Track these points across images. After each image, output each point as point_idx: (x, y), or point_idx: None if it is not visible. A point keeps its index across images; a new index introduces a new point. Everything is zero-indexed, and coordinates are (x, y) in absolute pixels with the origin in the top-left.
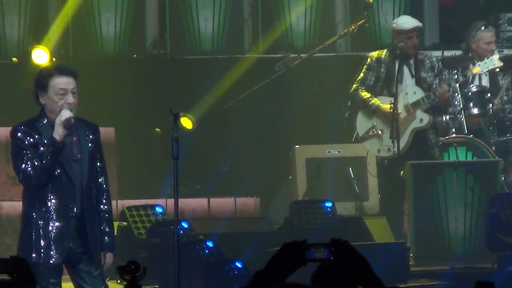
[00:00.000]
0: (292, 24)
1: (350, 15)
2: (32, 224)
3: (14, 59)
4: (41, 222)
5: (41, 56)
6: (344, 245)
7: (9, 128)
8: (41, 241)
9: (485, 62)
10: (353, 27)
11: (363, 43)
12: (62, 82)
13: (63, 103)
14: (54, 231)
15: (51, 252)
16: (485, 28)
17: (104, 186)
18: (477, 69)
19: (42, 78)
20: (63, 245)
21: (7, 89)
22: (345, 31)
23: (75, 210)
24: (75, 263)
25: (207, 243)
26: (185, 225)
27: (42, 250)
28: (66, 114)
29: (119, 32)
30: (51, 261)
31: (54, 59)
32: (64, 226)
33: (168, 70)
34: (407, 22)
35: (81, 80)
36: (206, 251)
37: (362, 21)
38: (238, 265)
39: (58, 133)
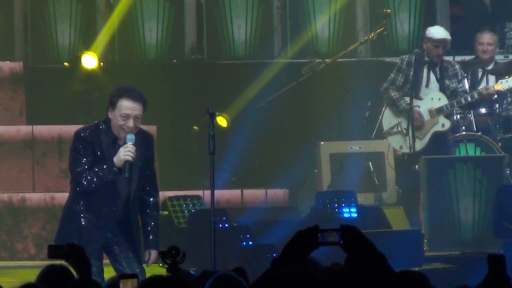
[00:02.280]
0: (317, 31)
1: (370, 23)
2: (72, 216)
3: (66, 63)
4: (81, 216)
5: (90, 61)
6: (352, 230)
7: (62, 127)
8: (78, 230)
9: (507, 80)
10: (372, 35)
11: (381, 49)
12: (127, 106)
13: (123, 124)
14: (92, 225)
15: (87, 241)
16: (484, 31)
17: (152, 192)
18: (499, 86)
19: (113, 96)
20: (98, 236)
21: (59, 91)
22: (365, 38)
23: (117, 212)
24: (113, 250)
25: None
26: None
27: (76, 238)
28: (129, 154)
29: (160, 39)
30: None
31: (102, 63)
32: (103, 222)
33: (205, 73)
34: (437, 32)
35: (126, 83)
36: (241, 237)
37: (381, 29)
38: None
39: (118, 161)
